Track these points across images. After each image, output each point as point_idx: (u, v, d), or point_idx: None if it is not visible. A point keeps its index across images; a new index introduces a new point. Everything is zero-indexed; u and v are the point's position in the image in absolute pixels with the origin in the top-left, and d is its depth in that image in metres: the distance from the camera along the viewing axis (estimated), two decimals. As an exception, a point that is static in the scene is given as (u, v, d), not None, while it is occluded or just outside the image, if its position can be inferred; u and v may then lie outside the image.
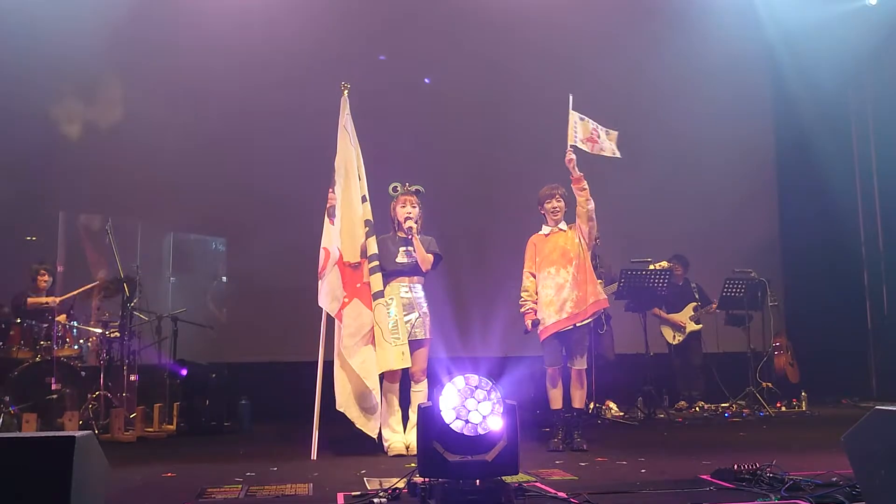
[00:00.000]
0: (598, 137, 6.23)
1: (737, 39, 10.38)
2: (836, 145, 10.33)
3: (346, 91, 6.35)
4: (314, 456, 5.82)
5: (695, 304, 9.21)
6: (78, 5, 9.07)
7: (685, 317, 9.22)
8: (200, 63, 9.43)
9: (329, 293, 6.01)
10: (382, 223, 6.30)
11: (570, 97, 6.21)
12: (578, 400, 6.29)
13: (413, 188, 6.33)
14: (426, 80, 10.13)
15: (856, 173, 10.45)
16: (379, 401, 6.00)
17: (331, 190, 6.15)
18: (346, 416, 5.97)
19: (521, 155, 9.50)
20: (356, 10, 10.00)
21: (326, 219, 6.12)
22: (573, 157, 6.15)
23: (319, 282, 6.06)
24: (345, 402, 5.98)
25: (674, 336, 9.24)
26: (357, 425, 5.98)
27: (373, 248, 6.10)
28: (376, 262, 6.06)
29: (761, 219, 10.73)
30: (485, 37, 10.02)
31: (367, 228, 6.17)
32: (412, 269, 6.18)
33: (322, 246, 6.09)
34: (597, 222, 6.30)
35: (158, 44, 9.41)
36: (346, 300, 6.01)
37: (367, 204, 6.27)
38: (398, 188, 6.30)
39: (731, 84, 10.46)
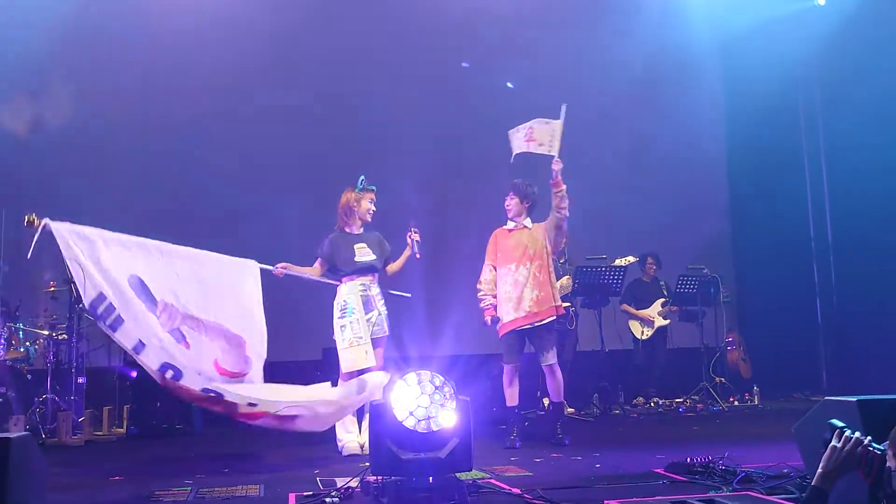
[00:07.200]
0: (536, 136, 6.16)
1: (688, 40, 10.44)
2: (786, 143, 10.49)
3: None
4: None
5: (663, 299, 9.26)
6: (24, 4, 8.88)
7: (654, 312, 9.25)
8: (150, 63, 9.25)
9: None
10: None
11: (564, 107, 6.09)
12: (555, 394, 6.27)
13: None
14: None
15: (805, 171, 10.61)
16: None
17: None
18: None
19: (479, 151, 9.44)
20: (317, 9, 9.87)
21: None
22: (560, 165, 6.08)
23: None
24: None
25: (642, 332, 9.26)
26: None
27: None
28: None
29: (713, 215, 10.83)
30: (438, 32, 9.97)
31: None
32: (369, 268, 6.08)
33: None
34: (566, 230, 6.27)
35: (107, 46, 9.20)
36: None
37: None
38: (365, 182, 6.10)
39: (683, 84, 10.55)
